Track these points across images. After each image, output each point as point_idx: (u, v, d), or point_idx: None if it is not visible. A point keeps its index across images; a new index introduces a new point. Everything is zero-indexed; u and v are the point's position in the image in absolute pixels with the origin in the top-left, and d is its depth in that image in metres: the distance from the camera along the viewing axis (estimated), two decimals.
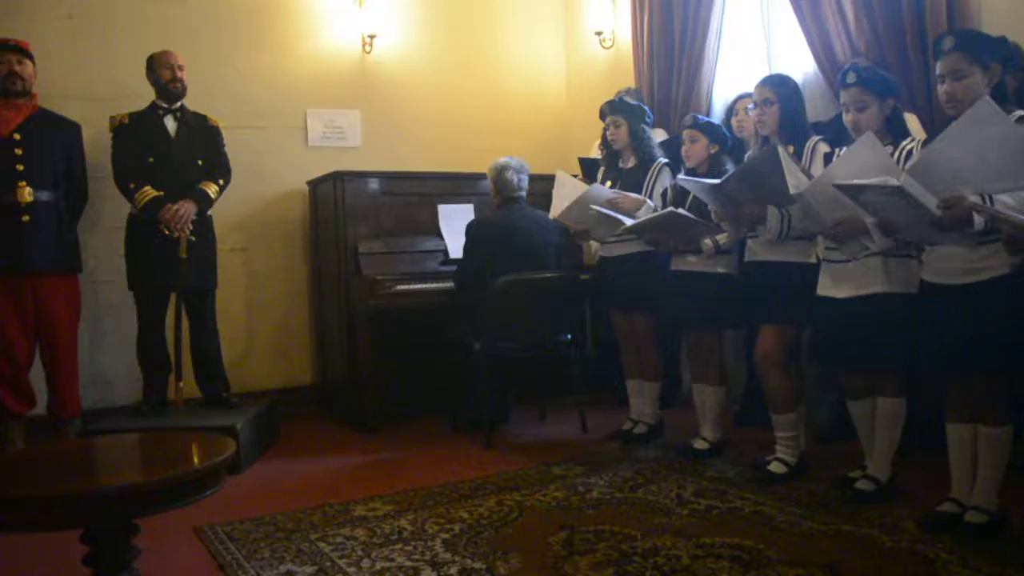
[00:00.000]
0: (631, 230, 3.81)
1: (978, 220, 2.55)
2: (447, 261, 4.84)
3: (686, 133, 3.82)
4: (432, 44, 5.85)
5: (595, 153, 4.73)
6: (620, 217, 3.82)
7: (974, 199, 2.48)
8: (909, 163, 2.76)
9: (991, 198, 2.47)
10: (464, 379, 4.41)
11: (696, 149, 3.78)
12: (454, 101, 5.87)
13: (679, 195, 3.84)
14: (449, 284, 4.54)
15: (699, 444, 3.87)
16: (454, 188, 5.17)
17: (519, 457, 4.00)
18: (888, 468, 3.17)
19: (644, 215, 3.85)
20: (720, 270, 3.71)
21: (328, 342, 5.20)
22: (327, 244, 5.06)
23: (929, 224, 2.64)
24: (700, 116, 3.92)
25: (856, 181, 2.74)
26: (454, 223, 4.88)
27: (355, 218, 4.82)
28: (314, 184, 5.26)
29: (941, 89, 2.73)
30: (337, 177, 4.86)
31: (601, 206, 3.90)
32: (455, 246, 4.80)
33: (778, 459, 3.47)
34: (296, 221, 5.40)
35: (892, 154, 2.95)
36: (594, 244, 4.47)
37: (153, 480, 2.03)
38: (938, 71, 2.74)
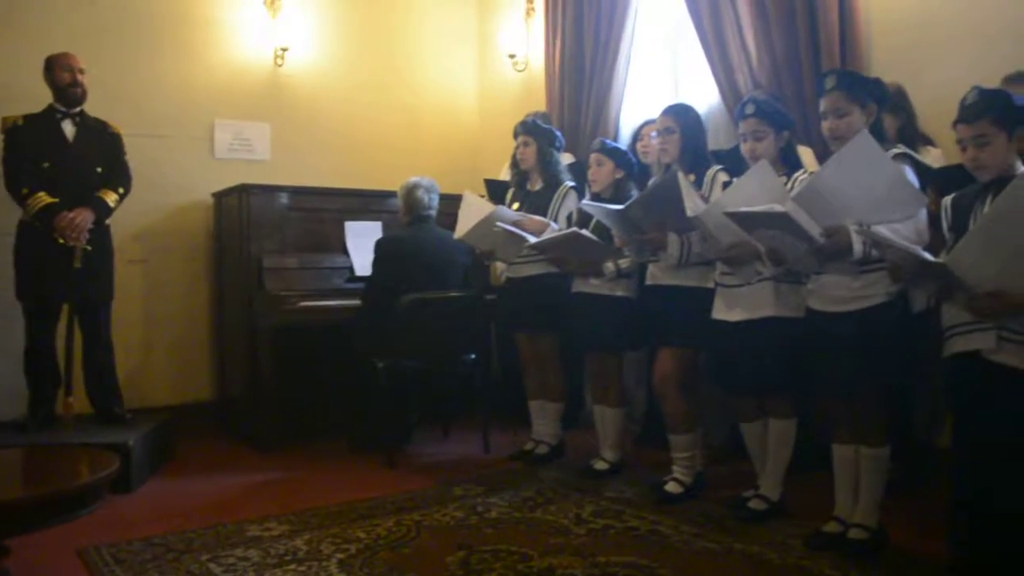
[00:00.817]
0: (534, 247, 3.84)
1: (857, 249, 2.67)
2: (353, 278, 4.79)
3: (593, 157, 3.88)
4: (346, 59, 5.81)
5: (504, 175, 4.77)
6: (524, 235, 3.85)
7: (854, 228, 2.59)
8: (793, 192, 2.87)
9: (869, 228, 2.58)
10: (367, 398, 4.36)
11: (602, 173, 3.84)
12: (366, 117, 5.84)
13: (583, 219, 3.89)
14: (354, 301, 4.49)
15: (599, 465, 3.91)
16: (363, 205, 5.13)
17: (420, 477, 3.98)
18: (779, 488, 3.26)
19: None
20: (621, 293, 3.76)
21: (229, 358, 5.07)
22: (231, 258, 4.96)
23: (813, 252, 2.75)
24: (608, 141, 3.99)
25: (745, 208, 2.83)
26: (361, 240, 4.84)
27: (261, 232, 4.74)
28: (220, 196, 5.15)
29: (825, 125, 2.87)
30: (244, 190, 4.77)
31: (508, 226, 3.93)
32: (361, 263, 4.76)
33: (675, 479, 3.53)
34: (199, 233, 5.27)
35: (786, 184, 3.06)
36: (499, 265, 4.49)
37: (24, 497, 1.94)
38: (822, 108, 2.88)
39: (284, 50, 5.49)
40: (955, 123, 2.52)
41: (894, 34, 3.87)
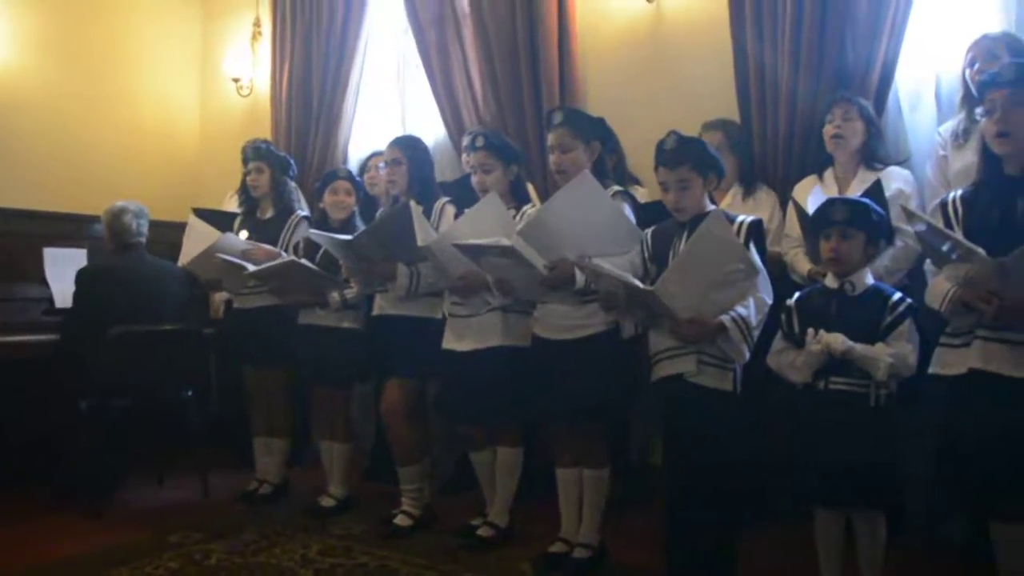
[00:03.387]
0: (252, 275, 3.67)
1: (579, 280, 2.80)
2: (52, 311, 4.30)
3: (339, 184, 3.78)
4: (47, 68, 5.19)
5: (228, 203, 4.53)
6: (243, 264, 3.66)
7: (576, 260, 2.71)
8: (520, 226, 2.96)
9: (589, 260, 2.71)
10: (69, 441, 3.90)
11: (349, 202, 3.78)
12: (71, 133, 5.26)
13: (309, 248, 3.78)
14: (54, 336, 4.02)
15: (326, 502, 3.77)
16: (64, 230, 4.64)
17: (131, 526, 3.61)
18: (507, 514, 3.32)
19: None
20: (347, 325, 3.67)
21: None
22: None
23: (538, 283, 2.85)
24: (350, 170, 3.93)
25: (474, 241, 2.88)
26: (62, 269, 4.36)
27: None
28: None
29: (551, 159, 2.99)
30: None
31: (234, 256, 3.72)
32: (62, 294, 4.29)
33: (404, 512, 3.49)
34: None
35: (514, 217, 3.15)
36: (218, 296, 4.24)
37: None
38: (549, 142, 2.99)
39: None
40: (657, 166, 2.71)
41: (607, 80, 4.16)
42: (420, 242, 3.11)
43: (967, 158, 2.99)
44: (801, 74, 3.53)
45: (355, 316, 3.69)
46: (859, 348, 2.38)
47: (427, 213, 3.41)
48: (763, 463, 2.85)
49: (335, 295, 3.58)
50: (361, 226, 3.61)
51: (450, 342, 3.26)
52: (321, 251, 3.68)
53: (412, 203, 3.25)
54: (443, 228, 3.30)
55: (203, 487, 4.11)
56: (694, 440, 2.61)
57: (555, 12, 4.19)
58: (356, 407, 4.08)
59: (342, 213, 3.78)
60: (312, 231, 3.65)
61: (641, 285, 2.56)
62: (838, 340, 2.39)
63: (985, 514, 2.40)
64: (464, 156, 3.45)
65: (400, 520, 3.46)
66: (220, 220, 4.15)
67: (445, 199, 3.49)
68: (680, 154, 2.66)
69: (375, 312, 3.57)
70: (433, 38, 4.56)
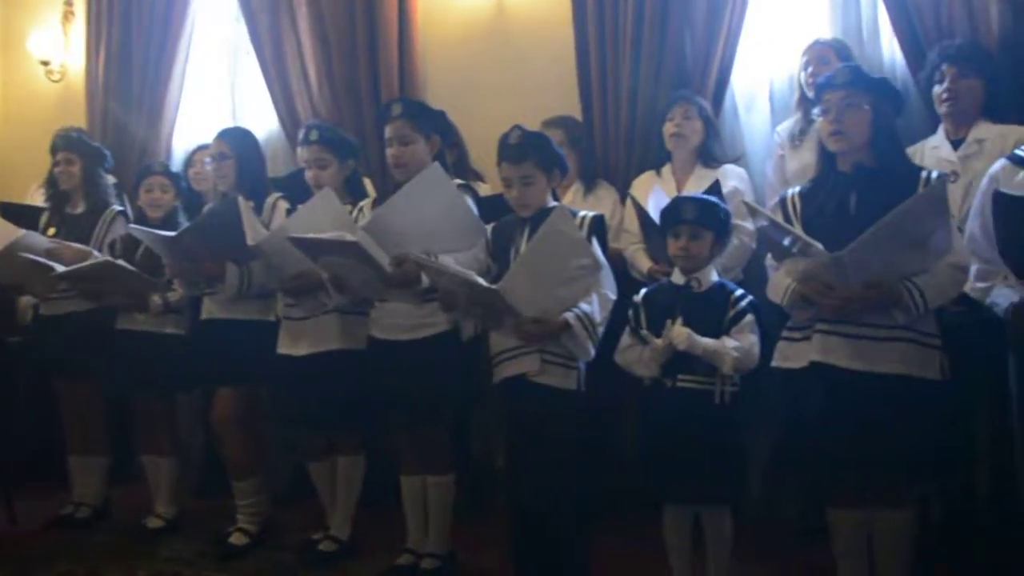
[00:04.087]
0: (62, 277, 3.35)
1: (425, 278, 2.69)
2: None
3: (154, 180, 3.52)
4: None
5: (34, 196, 4.13)
6: (52, 265, 3.33)
7: (421, 257, 2.60)
8: (363, 221, 2.83)
9: (435, 257, 2.61)
10: None
11: (167, 198, 3.52)
12: None
13: (127, 247, 3.48)
14: None
15: (153, 522, 3.50)
16: None
17: None
18: (349, 526, 3.18)
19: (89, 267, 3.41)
20: (170, 330, 3.42)
21: None
22: None
23: (381, 281, 2.73)
24: (166, 164, 3.67)
25: (313, 235, 2.73)
26: None
27: None
28: None
29: (389, 153, 2.88)
30: None
31: (38, 255, 3.37)
32: None
33: (240, 529, 3.29)
34: None
35: (351, 213, 3.02)
36: (24, 300, 3.86)
37: None
38: (387, 135, 2.88)
39: None
40: (500, 162, 2.66)
41: (448, 74, 4.08)
42: (250, 240, 2.93)
43: (803, 158, 3.11)
44: (642, 73, 3.56)
45: (178, 321, 3.44)
46: (704, 342, 2.40)
47: (258, 210, 3.22)
48: (611, 461, 2.86)
49: (156, 298, 3.32)
50: (185, 224, 3.35)
51: (285, 346, 3.10)
52: (141, 250, 3.41)
53: (240, 198, 3.05)
54: (275, 225, 3.12)
55: (8, 514, 3.70)
56: (539, 441, 2.57)
57: (395, 2, 4.07)
58: (183, 418, 3.81)
59: (159, 211, 3.51)
60: (132, 227, 3.38)
61: (485, 283, 2.49)
62: (682, 335, 2.40)
63: (822, 500, 2.49)
64: (298, 150, 3.29)
65: (236, 538, 3.27)
66: (25, 215, 3.77)
67: (277, 195, 3.31)
68: (524, 150, 2.62)
69: (203, 316, 3.33)
70: (266, 24, 4.34)
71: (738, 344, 2.41)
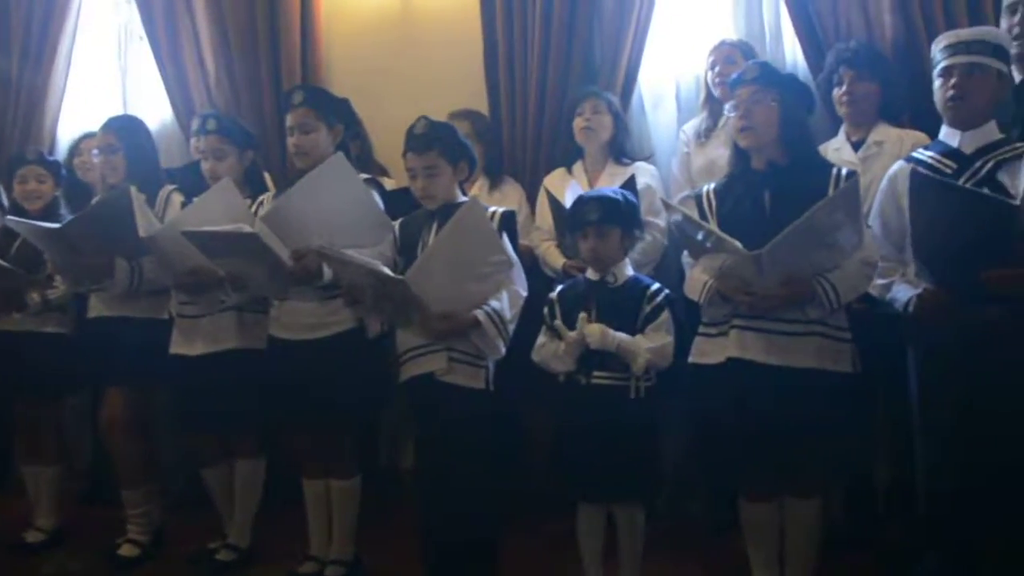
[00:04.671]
0: None
1: (327, 273, 2.62)
2: None
3: (28, 170, 3.30)
4: None
5: None
6: None
7: (324, 246, 2.50)
8: (261, 213, 2.73)
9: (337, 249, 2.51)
10: None
11: (45, 189, 3.30)
12: None
13: (3, 240, 3.25)
14: None
15: (33, 536, 3.29)
16: None
17: None
18: (249, 534, 3.07)
19: None
20: (52, 329, 3.20)
21: None
22: None
23: (281, 276, 2.62)
24: (45, 153, 3.45)
25: (209, 228, 2.61)
26: None
27: None
28: None
29: (291, 141, 2.79)
30: None
31: None
32: None
33: (130, 540, 3.13)
34: None
35: (250, 206, 2.91)
36: None
37: None
38: (288, 123, 2.79)
39: None
40: (405, 152, 2.60)
41: (352, 65, 3.96)
42: (142, 232, 2.79)
43: (709, 154, 3.17)
44: (550, 68, 3.53)
45: (61, 319, 3.23)
46: (618, 337, 2.39)
47: (151, 202, 3.06)
48: (522, 461, 2.83)
49: (34, 296, 3.11)
50: (68, 216, 3.15)
51: (179, 346, 2.96)
52: (18, 243, 3.19)
53: (133, 189, 2.89)
54: (169, 218, 2.97)
55: None
56: (448, 441, 2.53)
57: None
58: (68, 422, 3.58)
59: (38, 203, 3.29)
60: (10, 218, 3.14)
61: (391, 274, 2.43)
62: (595, 332, 2.39)
63: (733, 494, 2.53)
64: (193, 140, 3.15)
65: (126, 550, 3.11)
66: None
67: (171, 187, 3.15)
68: (429, 139, 2.57)
69: (90, 314, 3.14)
70: (160, 7, 4.11)
71: (652, 344, 2.42)
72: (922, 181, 2.23)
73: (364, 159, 3.32)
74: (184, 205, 3.03)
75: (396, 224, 2.70)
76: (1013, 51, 2.63)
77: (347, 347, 2.73)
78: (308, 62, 3.92)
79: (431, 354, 2.53)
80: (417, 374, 2.56)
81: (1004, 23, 2.73)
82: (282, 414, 2.84)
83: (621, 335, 2.40)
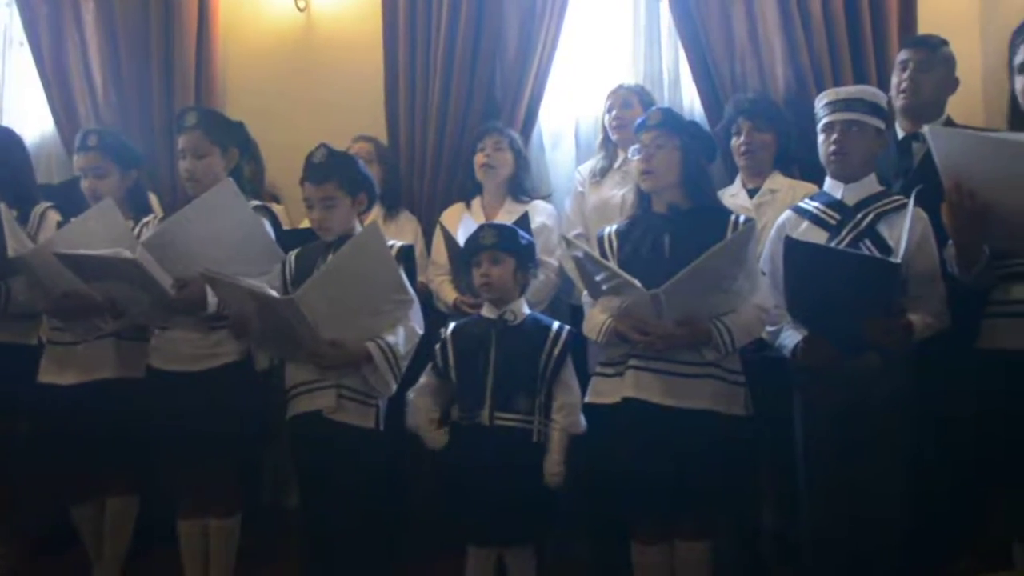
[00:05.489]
0: None
1: (211, 303, 2.52)
2: None
3: None
4: None
5: None
6: None
7: (210, 269, 2.40)
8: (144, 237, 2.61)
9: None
10: None
11: None
12: None
13: None
14: None
15: None
16: None
17: None
18: (119, 572, 2.89)
19: None
20: None
21: None
22: None
23: (163, 304, 2.51)
24: None
25: (85, 251, 2.48)
26: None
27: None
28: None
29: (182, 166, 2.69)
30: None
31: None
32: None
33: None
34: None
35: (133, 229, 2.80)
36: None
37: None
38: (179, 146, 2.69)
39: None
40: (303, 181, 2.53)
41: (250, 85, 3.86)
42: (11, 252, 2.63)
43: (602, 195, 3.20)
44: (452, 100, 3.51)
45: None
46: (557, 445, 2.43)
47: (23, 220, 2.90)
48: (411, 502, 2.76)
49: None
50: None
51: (49, 374, 2.80)
52: None
53: (2, 206, 2.72)
54: (43, 238, 2.82)
55: None
56: (334, 481, 2.45)
57: (196, 4, 3.79)
58: None
59: None
60: None
61: (277, 295, 2.35)
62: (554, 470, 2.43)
63: (622, 536, 2.52)
64: (75, 156, 2.98)
65: None
66: None
67: (47, 204, 2.99)
68: (328, 169, 2.50)
69: None
70: (44, 12, 3.91)
71: (564, 417, 2.44)
72: (794, 245, 2.28)
73: (257, 184, 3.23)
74: (61, 224, 2.88)
75: (291, 255, 2.61)
76: (900, 103, 2.78)
77: (231, 380, 2.63)
78: (203, 80, 3.80)
79: (320, 390, 2.45)
80: (305, 411, 2.48)
81: (894, 78, 2.87)
82: (159, 448, 2.69)
83: (556, 441, 2.43)
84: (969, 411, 2.30)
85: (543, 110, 3.57)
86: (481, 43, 3.51)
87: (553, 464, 2.41)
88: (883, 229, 2.38)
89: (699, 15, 3.34)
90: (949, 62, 2.83)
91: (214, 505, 2.69)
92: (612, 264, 2.38)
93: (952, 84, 2.85)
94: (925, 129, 2.22)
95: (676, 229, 2.42)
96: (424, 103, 3.56)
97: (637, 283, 2.25)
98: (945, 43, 2.86)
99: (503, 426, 2.41)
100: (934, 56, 2.81)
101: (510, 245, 2.52)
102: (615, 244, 2.50)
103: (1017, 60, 2.13)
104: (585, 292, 2.54)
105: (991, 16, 3.34)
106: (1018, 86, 2.12)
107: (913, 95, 2.79)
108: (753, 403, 2.45)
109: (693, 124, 2.66)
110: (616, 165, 3.23)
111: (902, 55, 2.88)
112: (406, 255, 2.56)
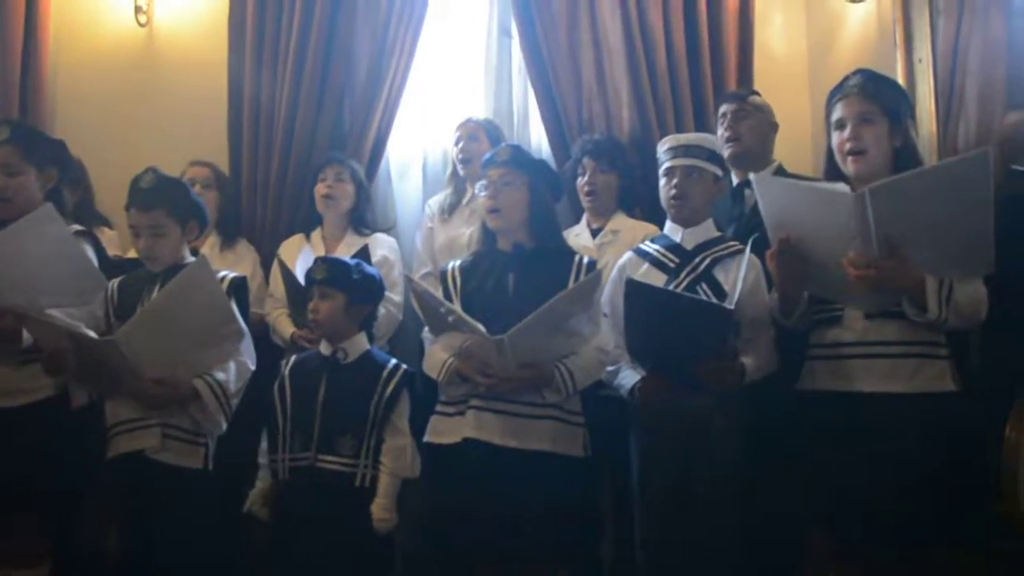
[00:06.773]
0: None
1: (26, 337, 2.33)
2: None
3: None
4: None
5: None
6: None
7: (21, 306, 2.24)
8: None
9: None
10: None
11: None
12: None
13: None
14: None
15: None
16: None
17: None
18: None
19: None
20: None
21: None
22: None
23: None
24: None
25: None
26: None
27: None
28: None
29: None
30: None
31: None
32: None
33: None
34: None
35: None
36: None
37: None
38: None
39: None
40: (129, 207, 2.41)
41: (83, 103, 3.62)
42: None
43: (451, 232, 3.19)
44: (297, 130, 3.41)
45: None
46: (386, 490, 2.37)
47: None
48: (245, 550, 2.62)
49: None
50: None
51: None
52: None
53: None
54: None
55: None
56: (159, 526, 2.31)
57: (22, 10, 3.48)
58: None
59: None
60: None
61: (98, 338, 2.22)
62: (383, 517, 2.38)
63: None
64: None
65: None
66: None
67: None
68: (155, 196, 2.39)
69: None
70: None
71: (392, 462, 2.40)
72: (635, 288, 2.32)
73: (84, 208, 3.03)
74: None
75: (114, 283, 2.47)
76: (727, 153, 2.88)
77: (45, 418, 2.42)
78: (28, 93, 3.47)
79: (143, 429, 2.32)
80: (127, 451, 2.34)
81: (719, 131, 2.98)
82: None
83: (385, 486, 2.37)
84: (793, 450, 2.38)
85: (391, 140, 3.52)
86: (330, 72, 3.45)
87: (380, 509, 2.35)
88: (719, 273, 2.45)
89: (548, 56, 3.40)
90: (761, 108, 2.97)
91: (16, 554, 2.46)
92: (456, 307, 2.35)
93: (771, 128, 2.99)
94: (752, 177, 2.31)
95: (521, 268, 2.43)
96: (269, 129, 3.45)
97: (480, 327, 2.24)
98: (755, 92, 3.03)
99: (326, 469, 2.34)
100: (745, 105, 2.95)
101: (339, 281, 2.46)
102: (459, 280, 2.48)
103: (833, 117, 2.25)
104: (426, 328, 2.51)
105: (817, 73, 3.56)
106: (834, 141, 2.24)
107: (735, 143, 2.91)
108: (592, 438, 2.46)
109: (541, 162, 2.68)
110: (465, 201, 3.22)
111: (721, 109, 3.02)
112: (237, 287, 2.46)
